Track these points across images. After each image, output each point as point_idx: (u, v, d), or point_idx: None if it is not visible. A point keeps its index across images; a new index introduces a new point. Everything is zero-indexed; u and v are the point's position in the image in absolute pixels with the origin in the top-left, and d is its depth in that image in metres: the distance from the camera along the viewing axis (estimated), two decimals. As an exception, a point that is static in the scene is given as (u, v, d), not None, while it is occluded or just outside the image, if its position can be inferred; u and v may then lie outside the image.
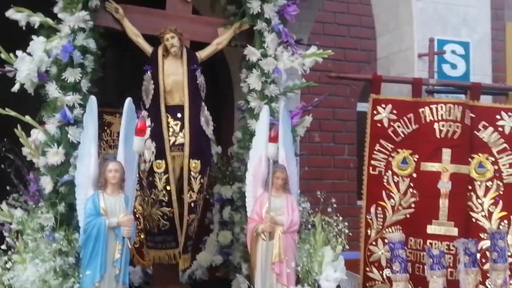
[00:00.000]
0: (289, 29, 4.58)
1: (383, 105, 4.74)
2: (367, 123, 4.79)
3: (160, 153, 4.14)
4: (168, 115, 4.18)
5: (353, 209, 6.97)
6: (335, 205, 4.19)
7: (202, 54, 4.35)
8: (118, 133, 3.86)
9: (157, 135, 4.13)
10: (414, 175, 4.72)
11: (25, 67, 3.76)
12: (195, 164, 4.18)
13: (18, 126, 3.79)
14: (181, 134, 4.17)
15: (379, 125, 4.74)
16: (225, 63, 7.23)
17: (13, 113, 3.80)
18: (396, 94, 4.96)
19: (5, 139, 3.98)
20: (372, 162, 4.75)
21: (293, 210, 3.92)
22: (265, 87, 4.35)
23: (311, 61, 4.48)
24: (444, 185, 4.66)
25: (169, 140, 4.15)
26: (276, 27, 4.42)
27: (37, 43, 3.85)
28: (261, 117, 4.20)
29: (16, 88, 3.78)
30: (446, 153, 4.67)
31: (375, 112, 4.75)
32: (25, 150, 3.86)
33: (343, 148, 8.77)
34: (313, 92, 6.69)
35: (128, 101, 3.71)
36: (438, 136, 4.67)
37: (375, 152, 4.75)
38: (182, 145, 4.16)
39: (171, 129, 4.17)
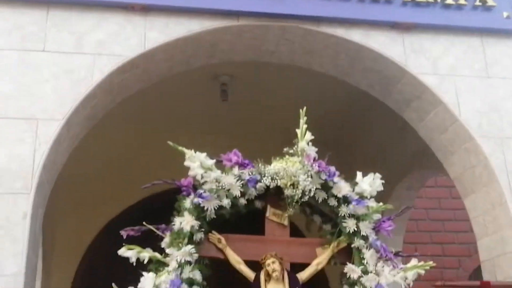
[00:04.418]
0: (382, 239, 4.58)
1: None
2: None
3: None
4: (273, 336, 4.16)
5: None
6: None
7: (303, 276, 4.39)
8: None
9: None
10: None
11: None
12: None
13: None
14: None
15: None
16: (325, 280, 7.14)
17: None
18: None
19: None
20: None
21: None
22: (369, 304, 4.28)
23: (414, 274, 4.40)
24: None
25: None
26: (374, 244, 4.44)
27: (147, 279, 4.07)
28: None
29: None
30: None
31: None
32: None
33: None
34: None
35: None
36: None
37: None
38: None
39: None
